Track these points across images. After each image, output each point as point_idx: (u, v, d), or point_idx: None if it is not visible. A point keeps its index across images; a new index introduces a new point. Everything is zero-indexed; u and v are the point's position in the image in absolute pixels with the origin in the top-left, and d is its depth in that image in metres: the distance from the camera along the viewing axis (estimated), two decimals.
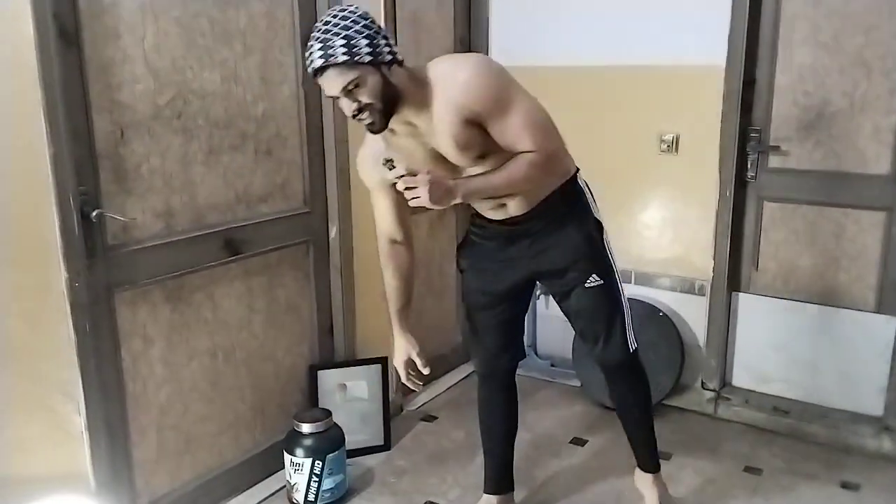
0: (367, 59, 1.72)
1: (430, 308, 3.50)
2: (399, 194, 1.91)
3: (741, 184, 3.14)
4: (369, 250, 2.94)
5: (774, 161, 3.08)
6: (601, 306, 2.19)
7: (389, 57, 1.77)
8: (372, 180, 2.10)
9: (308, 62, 1.76)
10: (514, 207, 2.07)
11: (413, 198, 1.80)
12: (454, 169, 1.95)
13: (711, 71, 3.01)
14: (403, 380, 2.26)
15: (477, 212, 2.19)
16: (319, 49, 1.71)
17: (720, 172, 3.09)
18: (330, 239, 2.81)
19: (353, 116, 1.79)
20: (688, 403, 3.32)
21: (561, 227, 2.12)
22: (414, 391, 2.47)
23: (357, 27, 1.72)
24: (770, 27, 2.98)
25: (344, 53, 1.69)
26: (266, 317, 2.63)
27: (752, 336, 3.26)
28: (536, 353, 3.76)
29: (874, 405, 3.01)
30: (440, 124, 1.83)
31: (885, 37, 2.79)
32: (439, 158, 1.92)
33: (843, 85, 2.89)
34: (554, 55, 3.32)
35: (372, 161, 2.03)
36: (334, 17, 1.73)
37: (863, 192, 2.94)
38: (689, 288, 3.28)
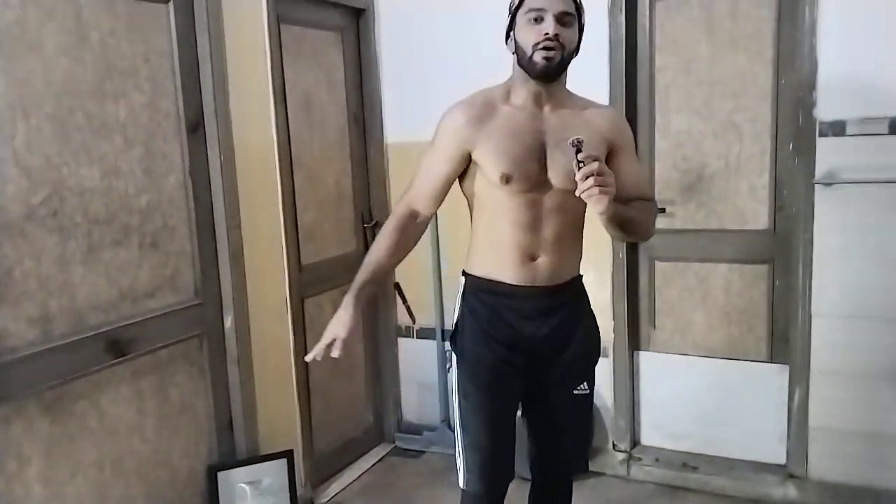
0: (584, 18, 1.88)
1: (338, 390, 3.41)
2: (460, 166, 1.91)
3: (632, 246, 3.25)
4: (268, 337, 2.87)
5: (661, 223, 3.19)
6: (580, 418, 2.10)
7: (581, 41, 1.90)
8: (451, 141, 1.90)
9: None
10: (547, 271, 1.92)
11: (603, 188, 1.65)
12: (541, 182, 1.86)
13: None
14: (318, 349, 1.95)
15: (482, 277, 1.97)
16: None
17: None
18: (225, 329, 2.70)
19: (546, 39, 1.77)
20: (601, 466, 3.33)
21: (579, 318, 2.03)
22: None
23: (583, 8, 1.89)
24: (646, 96, 3.14)
25: (578, 4, 1.85)
26: (158, 419, 2.48)
27: (657, 393, 3.33)
28: (450, 427, 3.70)
29: (777, 454, 3.10)
30: (582, 130, 1.78)
31: (751, 102, 2.98)
32: (539, 161, 1.84)
33: (718, 148, 3.06)
34: None
35: (468, 122, 1.88)
36: None
37: (745, 248, 3.09)
38: None
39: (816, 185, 2.81)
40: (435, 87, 3.44)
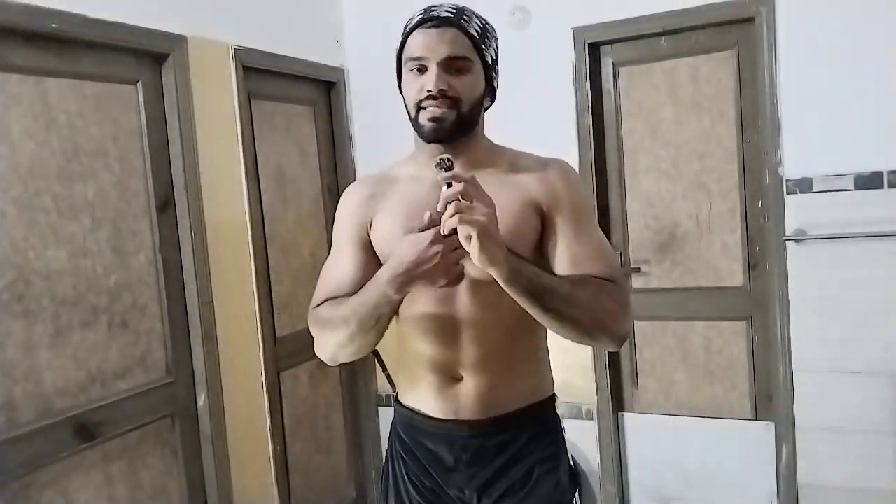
0: (489, 59, 1.43)
1: (318, 464, 3.32)
2: (371, 256, 1.46)
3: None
4: (243, 413, 2.81)
5: (638, 282, 3.21)
6: None
7: (496, 86, 1.50)
8: (350, 225, 1.51)
9: (423, 12, 1.41)
10: (474, 397, 1.44)
11: (465, 217, 1.18)
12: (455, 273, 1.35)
13: None
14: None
15: (402, 405, 1.56)
16: (453, 8, 1.40)
17: None
18: (198, 408, 2.65)
19: (430, 97, 1.36)
20: None
21: (535, 464, 1.48)
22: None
23: (495, 34, 1.48)
24: (615, 159, 3.19)
25: (477, 30, 1.40)
26: None
27: (643, 455, 3.27)
28: None
29: None
30: (500, 196, 1.30)
31: (717, 162, 3.03)
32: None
33: (689, 207, 3.09)
34: None
35: (361, 202, 1.51)
36: (473, 10, 1.46)
37: (722, 305, 3.09)
38: (577, 413, 3.28)
39: (787, 242, 2.83)
40: (407, 154, 3.49)
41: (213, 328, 2.67)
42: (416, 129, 1.43)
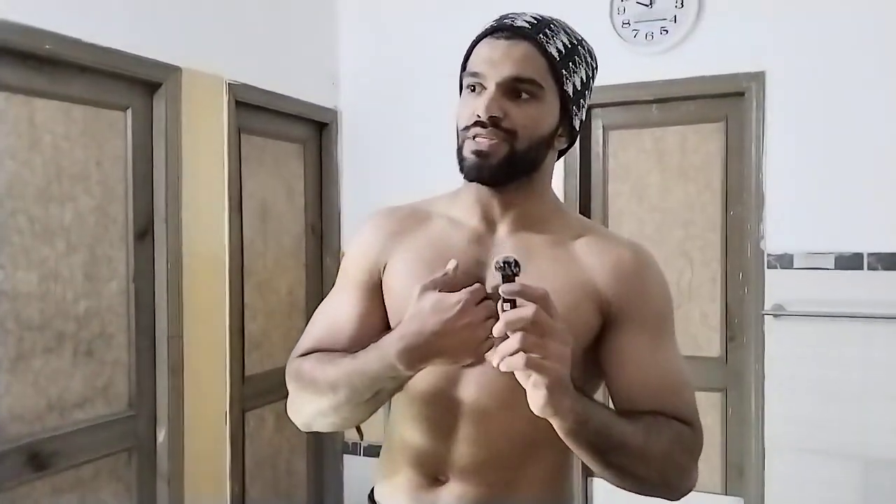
0: (570, 89, 1.11)
1: None
2: (379, 305, 1.17)
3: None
4: (203, 452, 2.73)
5: None
6: None
7: (577, 126, 1.16)
8: (361, 263, 1.21)
9: (500, 18, 1.15)
10: None
11: (534, 359, 0.87)
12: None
13: None
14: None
15: (373, 488, 1.27)
16: (535, 18, 1.12)
17: None
18: (157, 444, 2.57)
19: (477, 123, 1.06)
20: None
21: None
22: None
23: (588, 59, 1.16)
24: (600, 221, 3.18)
25: (559, 50, 1.09)
26: None
27: None
28: None
29: None
30: (553, 273, 1.08)
31: (700, 230, 3.05)
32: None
33: (670, 274, 3.05)
34: None
35: (381, 237, 1.21)
36: (571, 32, 1.16)
37: (698, 375, 3.05)
38: None
39: (766, 316, 2.83)
40: (395, 199, 3.48)
41: (181, 362, 2.61)
42: (459, 165, 1.11)
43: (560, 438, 0.97)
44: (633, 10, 3.02)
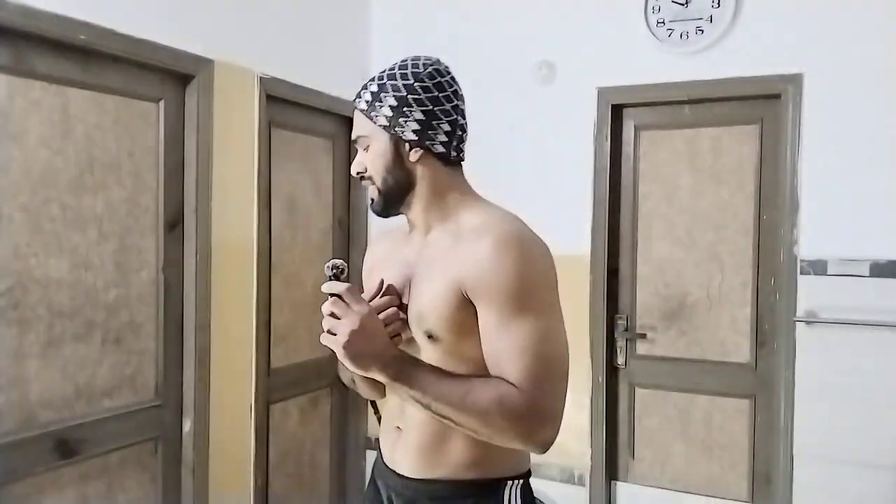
0: (381, 121, 1.36)
1: (298, 503, 3.24)
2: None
3: (612, 370, 3.18)
4: (228, 443, 2.74)
5: (642, 348, 3.15)
6: None
7: (413, 136, 1.35)
8: (365, 276, 1.59)
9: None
10: (408, 454, 1.41)
11: (325, 336, 1.28)
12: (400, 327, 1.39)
13: (577, 261, 3.11)
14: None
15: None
16: (362, 86, 1.43)
17: (591, 358, 3.13)
18: (183, 434, 2.59)
19: (358, 176, 1.41)
20: None
21: None
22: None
23: (397, 82, 1.37)
24: (629, 222, 3.16)
25: (367, 101, 1.38)
26: None
27: None
28: None
29: None
30: (436, 267, 1.34)
31: (732, 234, 3.00)
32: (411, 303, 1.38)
33: (699, 278, 3.05)
34: None
35: (378, 253, 1.58)
36: (404, 61, 1.43)
37: (726, 380, 3.02)
38: (569, 477, 3.19)
39: (798, 323, 2.78)
40: None
41: (208, 353, 2.63)
42: None
43: None
44: (669, 9, 2.98)
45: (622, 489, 3.19)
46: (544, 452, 1.28)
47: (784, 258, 2.83)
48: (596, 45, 3.12)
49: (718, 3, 2.90)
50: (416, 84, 1.37)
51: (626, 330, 3.16)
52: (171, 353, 2.56)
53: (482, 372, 1.30)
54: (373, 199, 1.41)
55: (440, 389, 1.27)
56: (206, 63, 2.58)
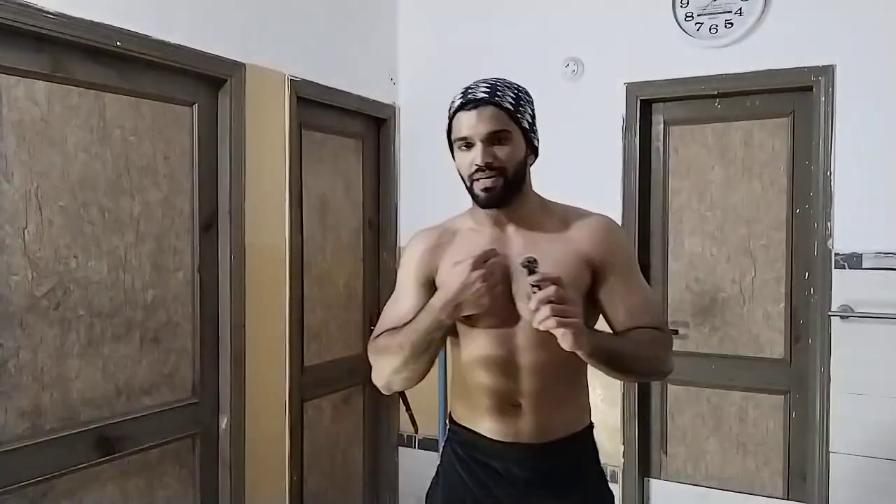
0: (526, 124, 1.57)
1: (333, 500, 3.28)
2: (429, 297, 1.56)
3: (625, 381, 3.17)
4: (263, 440, 2.79)
5: (674, 344, 3.12)
6: None
7: (537, 146, 1.62)
8: (417, 270, 1.66)
9: (462, 95, 1.56)
10: (532, 424, 1.59)
11: (561, 320, 1.33)
12: (509, 314, 1.56)
13: None
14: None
15: (461, 425, 1.69)
16: (487, 87, 1.55)
17: None
18: (220, 431, 2.64)
19: (478, 170, 1.52)
20: None
21: (578, 489, 1.63)
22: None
23: (529, 98, 1.61)
24: (659, 218, 3.14)
25: (511, 103, 1.54)
26: None
27: None
28: None
29: None
30: (553, 251, 1.54)
31: (765, 228, 2.97)
32: (503, 290, 1.54)
33: (732, 273, 3.03)
34: None
35: (428, 250, 1.67)
36: (505, 79, 1.60)
37: (760, 377, 2.99)
38: None
39: (833, 317, 2.74)
40: (450, 194, 3.49)
41: (243, 352, 2.67)
42: (472, 197, 1.59)
43: (581, 361, 1.46)
44: (697, 2, 2.96)
45: (655, 486, 3.18)
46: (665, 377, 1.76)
47: (818, 252, 2.79)
48: (624, 41, 3.11)
49: None
50: (531, 99, 1.62)
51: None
52: (207, 351, 2.62)
53: None
54: (492, 188, 1.53)
55: (620, 346, 1.53)
56: (238, 67, 2.63)
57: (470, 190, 1.58)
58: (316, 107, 3.08)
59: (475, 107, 1.53)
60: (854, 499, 2.73)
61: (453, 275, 1.49)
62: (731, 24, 2.90)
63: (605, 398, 3.16)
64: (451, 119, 1.59)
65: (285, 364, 2.89)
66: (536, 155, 1.63)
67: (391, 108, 3.54)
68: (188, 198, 2.55)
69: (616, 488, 3.15)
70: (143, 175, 2.38)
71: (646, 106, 3.12)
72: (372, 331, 3.66)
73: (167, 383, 2.48)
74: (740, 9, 2.88)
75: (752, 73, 2.88)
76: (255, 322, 2.73)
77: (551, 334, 1.37)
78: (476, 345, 1.60)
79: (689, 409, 3.13)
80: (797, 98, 2.89)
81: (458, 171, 1.60)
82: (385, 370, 1.60)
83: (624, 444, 3.13)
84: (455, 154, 1.60)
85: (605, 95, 3.14)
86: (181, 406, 2.53)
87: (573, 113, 3.19)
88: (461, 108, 1.55)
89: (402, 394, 3.55)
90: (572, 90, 3.21)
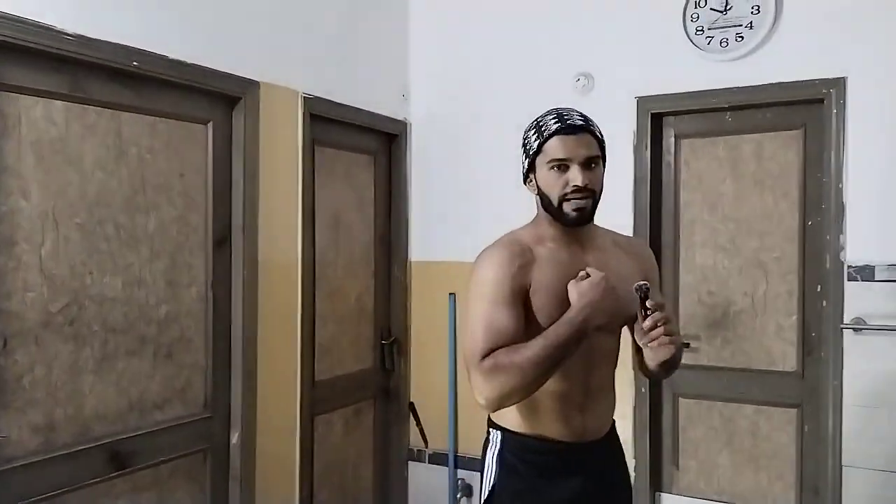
0: (606, 156, 1.76)
1: None
2: (525, 312, 1.67)
3: (656, 380, 3.16)
4: (274, 455, 2.80)
5: (686, 357, 3.09)
6: None
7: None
8: (511, 285, 1.69)
9: (558, 120, 1.70)
10: (595, 423, 1.80)
11: (675, 342, 1.62)
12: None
13: None
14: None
15: (524, 434, 1.77)
16: (581, 117, 1.72)
17: (634, 369, 3.10)
18: (231, 445, 2.65)
19: (575, 190, 1.67)
20: None
21: (623, 468, 1.94)
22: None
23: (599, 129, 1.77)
24: (671, 230, 3.14)
25: (600, 133, 1.74)
26: None
27: None
28: None
29: None
30: (621, 269, 1.75)
31: (777, 241, 2.96)
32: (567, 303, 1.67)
33: (744, 286, 3.02)
34: (471, 253, 3.39)
35: (519, 268, 1.71)
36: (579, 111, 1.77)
37: (773, 390, 2.98)
38: None
39: (845, 330, 2.73)
40: (461, 211, 3.51)
41: (255, 366, 2.69)
42: (558, 217, 1.72)
43: (614, 367, 1.86)
44: (708, 16, 2.97)
45: (667, 501, 3.16)
46: None
47: (830, 264, 2.79)
48: (635, 55, 3.12)
49: (758, 10, 2.88)
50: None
51: None
52: (219, 366, 2.63)
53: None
54: (583, 209, 1.69)
55: (680, 352, 1.75)
56: (252, 85, 2.66)
57: (557, 209, 1.70)
58: (328, 123, 3.11)
59: (574, 132, 1.68)
60: None
61: (586, 288, 1.64)
62: (742, 37, 2.91)
63: (616, 412, 3.14)
64: (543, 142, 1.70)
65: (297, 379, 2.91)
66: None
67: (402, 124, 3.57)
68: (202, 214, 2.58)
69: None
70: (157, 192, 2.41)
71: (657, 119, 3.13)
72: (384, 345, 3.67)
73: (179, 398, 2.50)
74: (751, 22, 2.89)
75: (762, 85, 2.88)
76: (266, 337, 2.74)
77: (614, 343, 1.80)
78: None
79: (700, 423, 3.12)
80: (808, 110, 2.89)
81: (543, 190, 1.73)
82: (506, 387, 1.61)
83: (635, 458, 3.12)
84: (539, 171, 1.73)
85: (616, 109, 3.14)
86: (193, 421, 2.54)
87: None
88: (559, 132, 1.68)
89: (412, 407, 3.56)
90: (583, 105, 3.14)
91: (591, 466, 1.78)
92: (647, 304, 1.59)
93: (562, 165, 1.68)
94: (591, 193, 1.69)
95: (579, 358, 1.68)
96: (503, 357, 1.62)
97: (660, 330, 1.59)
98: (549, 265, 1.72)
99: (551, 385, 1.67)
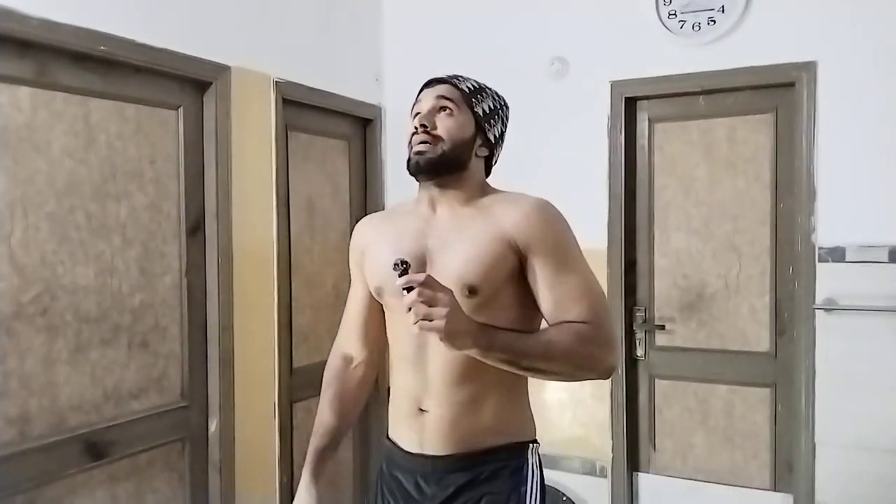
0: (479, 110, 1.53)
1: (324, 501, 3.28)
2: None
3: (632, 362, 3.19)
4: (253, 443, 2.79)
5: (661, 339, 3.16)
6: None
7: (490, 139, 1.56)
8: (352, 260, 1.68)
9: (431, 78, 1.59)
10: (437, 431, 1.47)
11: (423, 318, 1.27)
12: None
13: (594, 254, 3.11)
14: None
15: (388, 437, 1.62)
16: (452, 75, 1.58)
17: None
18: (209, 434, 2.63)
19: (414, 133, 1.50)
20: None
21: None
22: None
23: (494, 94, 1.59)
24: (645, 214, 3.17)
25: (468, 87, 1.55)
26: None
27: None
28: None
29: None
30: (472, 228, 1.46)
31: (750, 224, 3.00)
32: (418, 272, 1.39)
33: (718, 268, 3.05)
34: None
35: (358, 236, 1.67)
36: (487, 85, 1.61)
37: (747, 370, 3.02)
38: (591, 469, 3.21)
39: (817, 311, 2.78)
40: None
41: (231, 355, 2.67)
42: (407, 168, 1.54)
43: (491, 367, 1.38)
44: (680, 0, 2.98)
45: (644, 480, 3.21)
46: (609, 378, 1.44)
47: (802, 246, 2.83)
48: (608, 39, 3.13)
49: None
50: (504, 107, 1.62)
51: (645, 322, 3.17)
52: (195, 355, 2.61)
53: (512, 321, 1.43)
54: (423, 152, 1.48)
55: (526, 345, 1.37)
56: (223, 69, 2.62)
57: (407, 162, 1.53)
58: (302, 108, 3.08)
59: (430, 85, 1.57)
60: (840, 489, 2.77)
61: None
62: (714, 21, 2.92)
63: (593, 394, 3.18)
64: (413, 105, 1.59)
65: (274, 366, 2.89)
66: (491, 152, 1.58)
67: (377, 109, 3.55)
68: (175, 201, 2.54)
69: (605, 483, 3.18)
70: (128, 179, 2.37)
71: (630, 104, 3.14)
72: None
73: (156, 387, 2.48)
74: (723, 6, 2.91)
75: (735, 69, 2.90)
76: (243, 325, 2.73)
77: (481, 306, 1.40)
78: (395, 334, 1.58)
79: (676, 404, 3.16)
80: (780, 94, 2.92)
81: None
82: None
83: (612, 439, 3.16)
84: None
85: (590, 94, 3.15)
86: (170, 410, 2.52)
87: (558, 111, 3.21)
88: (421, 90, 1.58)
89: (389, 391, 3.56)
90: (557, 89, 3.22)
91: (433, 487, 1.48)
92: (397, 282, 1.29)
93: (418, 112, 1.54)
94: (437, 139, 1.48)
95: (412, 339, 1.47)
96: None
97: (418, 308, 1.27)
98: (391, 227, 1.60)
99: (395, 371, 1.52)
